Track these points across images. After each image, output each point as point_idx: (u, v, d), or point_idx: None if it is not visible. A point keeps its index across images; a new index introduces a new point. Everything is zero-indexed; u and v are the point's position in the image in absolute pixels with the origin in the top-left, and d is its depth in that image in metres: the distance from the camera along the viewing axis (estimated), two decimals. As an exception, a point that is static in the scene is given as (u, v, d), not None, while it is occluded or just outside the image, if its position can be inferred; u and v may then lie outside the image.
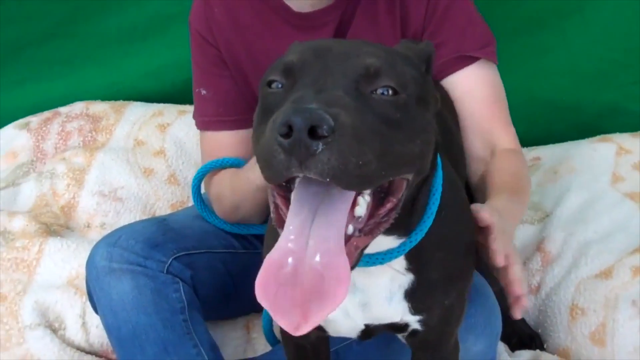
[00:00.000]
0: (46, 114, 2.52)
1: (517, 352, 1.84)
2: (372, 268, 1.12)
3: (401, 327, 1.26)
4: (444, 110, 1.18)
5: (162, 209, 2.24)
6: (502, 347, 1.81)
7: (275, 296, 0.92)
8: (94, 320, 1.83)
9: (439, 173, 1.15)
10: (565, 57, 2.40)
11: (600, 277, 1.88)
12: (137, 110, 2.49)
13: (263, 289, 0.92)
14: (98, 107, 2.51)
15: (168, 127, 2.40)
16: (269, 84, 1.02)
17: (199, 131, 1.81)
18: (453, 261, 1.23)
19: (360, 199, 0.98)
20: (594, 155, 2.24)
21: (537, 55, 2.41)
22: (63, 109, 2.53)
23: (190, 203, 2.21)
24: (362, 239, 0.99)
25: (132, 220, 2.13)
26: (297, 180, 0.97)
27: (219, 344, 1.71)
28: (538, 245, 2.06)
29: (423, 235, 1.12)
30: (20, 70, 2.58)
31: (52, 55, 2.58)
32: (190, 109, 2.42)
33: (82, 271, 1.69)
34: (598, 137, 2.33)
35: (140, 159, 2.31)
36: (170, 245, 1.66)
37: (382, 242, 1.09)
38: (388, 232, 1.05)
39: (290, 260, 0.93)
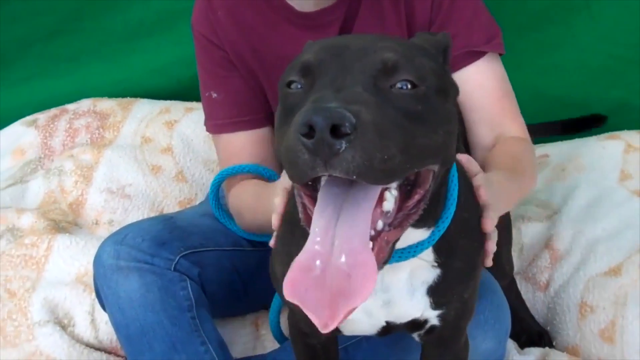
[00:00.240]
0: (53, 111, 2.53)
1: (526, 350, 1.84)
2: (393, 264, 1.12)
3: (420, 324, 1.26)
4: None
5: (170, 207, 2.24)
6: (511, 345, 1.81)
7: (304, 297, 0.92)
8: (103, 317, 1.83)
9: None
10: (573, 53, 2.39)
11: (609, 275, 1.88)
12: (144, 107, 2.49)
13: (292, 291, 0.92)
14: (105, 104, 2.52)
15: (175, 124, 2.40)
16: (289, 84, 1.01)
17: (209, 133, 1.80)
18: (475, 247, 1.23)
19: (387, 194, 0.98)
20: (602, 153, 2.24)
21: (545, 51, 2.40)
22: (70, 106, 2.53)
23: (198, 200, 2.22)
24: (392, 233, 0.99)
25: (140, 218, 2.14)
26: (323, 179, 0.97)
27: (228, 342, 1.71)
28: (547, 243, 2.06)
29: (449, 222, 1.12)
30: (28, 67, 2.59)
31: (59, 52, 2.58)
32: (197, 105, 2.44)
33: (91, 268, 1.69)
34: (606, 134, 2.33)
35: (147, 156, 2.31)
36: (177, 243, 1.65)
37: (412, 236, 1.09)
38: (417, 224, 1.06)
39: (318, 262, 0.93)
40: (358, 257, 0.93)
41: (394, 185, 0.98)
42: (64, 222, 2.16)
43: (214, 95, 1.73)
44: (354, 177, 0.87)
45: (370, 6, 1.64)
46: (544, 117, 2.38)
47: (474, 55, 1.65)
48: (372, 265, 0.93)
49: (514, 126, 1.66)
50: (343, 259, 0.93)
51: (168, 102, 2.53)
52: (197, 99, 1.97)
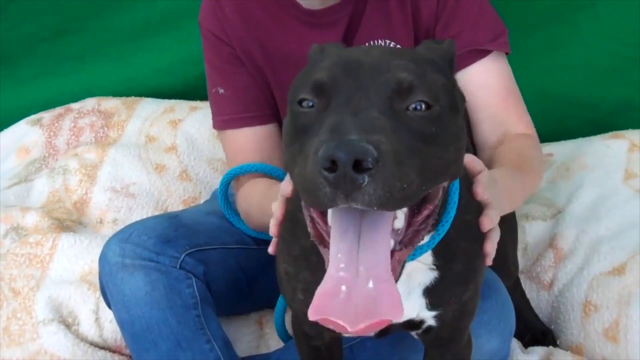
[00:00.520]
0: (58, 109, 2.53)
1: (530, 349, 1.84)
2: None
3: (416, 324, 1.26)
4: None
5: (174, 205, 2.24)
6: (515, 344, 1.81)
7: (329, 316, 0.92)
8: (108, 316, 1.84)
9: None
10: (578, 52, 2.39)
11: (613, 274, 1.88)
12: (148, 107, 2.50)
13: (317, 313, 0.92)
14: (110, 103, 2.52)
15: (180, 123, 2.40)
16: (300, 102, 1.00)
17: (215, 131, 1.80)
18: (476, 250, 1.23)
19: (398, 212, 0.98)
20: (606, 152, 2.24)
21: (550, 50, 2.40)
22: (75, 105, 2.54)
23: (202, 199, 2.23)
24: (403, 252, 1.00)
25: (145, 216, 2.14)
26: None
27: (232, 340, 1.72)
28: (550, 242, 2.06)
29: (449, 225, 1.12)
30: (33, 66, 2.59)
31: (65, 51, 2.59)
32: (201, 104, 2.44)
33: (95, 267, 1.70)
34: (610, 133, 2.32)
35: (152, 155, 2.31)
36: (182, 241, 1.66)
37: None
38: None
39: (343, 288, 0.93)
40: (385, 284, 0.94)
41: None
42: (68, 220, 2.16)
43: (221, 91, 1.74)
44: (375, 208, 0.88)
45: (377, 5, 1.64)
46: (548, 116, 2.38)
47: (478, 54, 1.65)
48: (397, 292, 0.94)
49: (520, 125, 1.66)
50: (371, 284, 0.93)
51: (172, 101, 2.54)
52: (202, 98, 1.98)
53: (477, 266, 1.25)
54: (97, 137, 2.42)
